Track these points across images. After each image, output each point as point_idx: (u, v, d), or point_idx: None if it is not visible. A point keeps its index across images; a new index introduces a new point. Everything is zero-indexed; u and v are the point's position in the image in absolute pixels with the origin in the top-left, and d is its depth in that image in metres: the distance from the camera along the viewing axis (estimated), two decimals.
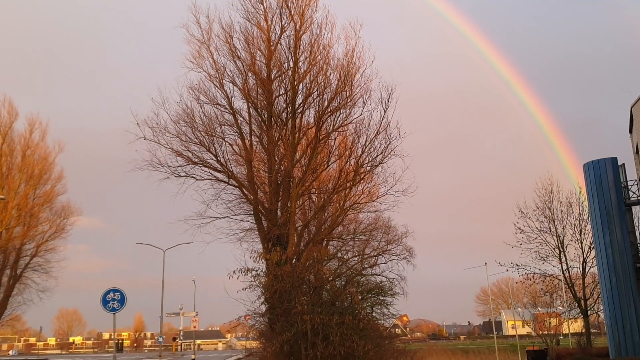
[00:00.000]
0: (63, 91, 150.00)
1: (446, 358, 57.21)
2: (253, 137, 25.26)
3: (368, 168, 24.80)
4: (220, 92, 24.56)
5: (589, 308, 36.25)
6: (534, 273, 36.49)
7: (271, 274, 21.00)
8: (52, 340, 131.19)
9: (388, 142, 24.00)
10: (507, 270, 37.34)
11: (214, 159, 24.37)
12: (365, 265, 29.92)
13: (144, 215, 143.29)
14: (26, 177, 42.87)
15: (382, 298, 23.08)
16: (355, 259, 32.73)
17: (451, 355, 59.11)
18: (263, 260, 22.17)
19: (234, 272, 21.43)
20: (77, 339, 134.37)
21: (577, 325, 45.41)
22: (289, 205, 23.84)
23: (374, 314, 23.04)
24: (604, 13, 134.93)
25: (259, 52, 24.87)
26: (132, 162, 23.67)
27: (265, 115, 24.73)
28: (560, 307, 44.44)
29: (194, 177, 24.41)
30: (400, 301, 32.34)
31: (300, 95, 24.47)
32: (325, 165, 26.15)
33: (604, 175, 29.26)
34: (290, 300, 20.26)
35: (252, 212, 25.02)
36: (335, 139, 26.20)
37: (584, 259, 35.39)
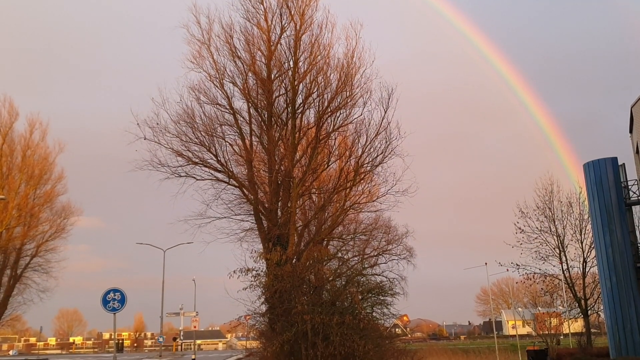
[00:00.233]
0: (63, 91, 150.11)
1: (446, 358, 57.22)
2: (253, 137, 25.28)
3: (368, 168, 24.82)
4: (220, 92, 24.59)
5: (589, 308, 36.26)
6: (534, 273, 36.52)
7: (271, 274, 21.01)
8: (52, 340, 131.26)
9: (388, 142, 24.02)
10: (508, 270, 37.39)
11: (214, 159, 24.38)
12: (366, 265, 29.96)
13: (144, 215, 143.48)
14: (26, 177, 42.88)
15: (382, 298, 23.11)
16: (356, 259, 32.75)
17: (451, 355, 59.12)
18: (263, 260, 22.18)
19: (234, 272, 21.45)
20: (78, 339, 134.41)
21: (577, 325, 45.44)
22: (289, 205, 23.84)
23: (374, 313, 23.07)
24: (604, 12, 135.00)
25: (259, 52, 24.89)
26: (132, 162, 23.70)
27: (266, 115, 24.74)
28: (560, 307, 44.45)
29: (194, 177, 24.44)
30: (401, 301, 32.40)
31: (300, 95, 24.49)
32: (326, 165, 26.16)
33: (604, 175, 29.28)
34: (291, 300, 20.27)
35: (252, 212, 25.02)
36: (335, 139, 26.24)
37: (584, 258, 35.42)
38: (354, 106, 24.27)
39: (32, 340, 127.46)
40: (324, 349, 19.07)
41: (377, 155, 24.25)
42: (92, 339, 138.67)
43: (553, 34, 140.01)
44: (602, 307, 32.95)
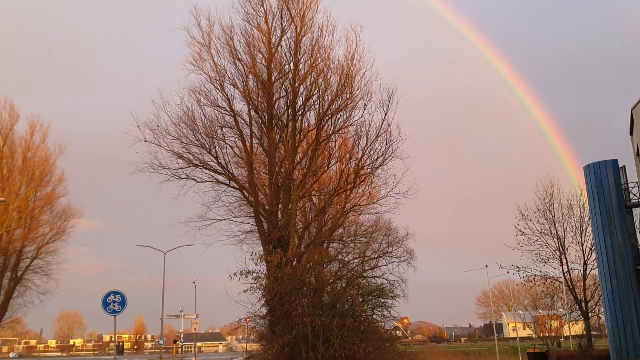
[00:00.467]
0: (63, 93, 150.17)
1: None
2: (254, 139, 25.31)
3: (369, 170, 24.84)
4: (221, 95, 24.64)
5: (589, 310, 36.18)
6: (535, 275, 36.45)
7: (272, 276, 21.02)
8: (52, 343, 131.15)
9: (389, 144, 24.07)
10: (508, 272, 37.32)
11: (215, 161, 24.41)
12: (366, 268, 29.89)
13: (144, 217, 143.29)
14: (27, 180, 42.83)
15: (382, 300, 23.08)
16: (356, 261, 32.75)
17: (452, 357, 58.93)
18: (264, 263, 22.19)
19: (234, 274, 21.47)
20: (78, 341, 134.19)
21: (578, 328, 45.31)
22: (289, 207, 23.84)
23: (374, 316, 23.05)
24: (604, 13, 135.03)
25: (259, 54, 24.93)
26: (133, 165, 23.75)
27: (266, 118, 24.76)
28: (561, 310, 44.38)
29: (195, 180, 24.48)
30: (401, 303, 32.37)
31: (300, 98, 24.54)
32: (326, 167, 26.19)
33: (604, 178, 29.27)
34: (291, 303, 20.26)
35: (252, 214, 25.03)
36: (335, 141, 26.29)
37: (584, 261, 35.34)
38: (354, 108, 24.34)
39: (33, 342, 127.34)
40: (325, 352, 19.07)
41: (378, 158, 24.31)
42: (93, 341, 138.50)
43: (553, 35, 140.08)
44: (602, 310, 32.90)
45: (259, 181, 25.47)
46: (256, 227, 24.90)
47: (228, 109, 24.65)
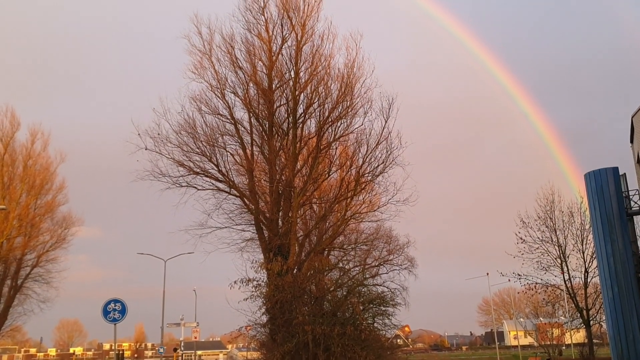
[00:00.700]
0: (64, 101, 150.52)
1: None
2: (254, 147, 25.34)
3: (369, 178, 24.84)
4: (221, 103, 24.69)
5: (591, 318, 36.09)
6: (536, 283, 36.38)
7: (272, 284, 20.99)
8: (52, 351, 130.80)
9: (389, 152, 24.07)
10: (509, 280, 37.30)
11: (216, 168, 24.43)
12: (367, 276, 29.84)
13: (144, 225, 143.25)
14: (27, 187, 42.85)
15: (383, 308, 23.03)
16: (357, 269, 32.69)
17: None
18: (264, 271, 22.16)
19: (235, 282, 21.45)
20: (78, 350, 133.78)
21: (579, 336, 45.19)
22: (290, 215, 23.83)
23: (375, 324, 22.98)
24: (604, 20, 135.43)
25: (260, 62, 25.01)
26: (133, 173, 23.76)
27: (267, 125, 24.81)
28: (562, 317, 44.31)
29: (196, 187, 24.48)
30: (402, 311, 32.18)
31: (301, 105, 24.59)
32: (327, 175, 26.20)
33: (605, 185, 29.28)
34: (292, 311, 20.22)
35: (253, 222, 25.02)
36: (336, 148, 26.32)
37: (585, 268, 35.28)
38: (354, 116, 24.38)
39: (33, 351, 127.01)
40: None
41: (378, 165, 24.31)
42: (93, 350, 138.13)
43: (553, 43, 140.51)
44: (604, 318, 32.80)
45: (259, 189, 25.48)
46: (257, 235, 24.88)
47: (229, 117, 24.71)
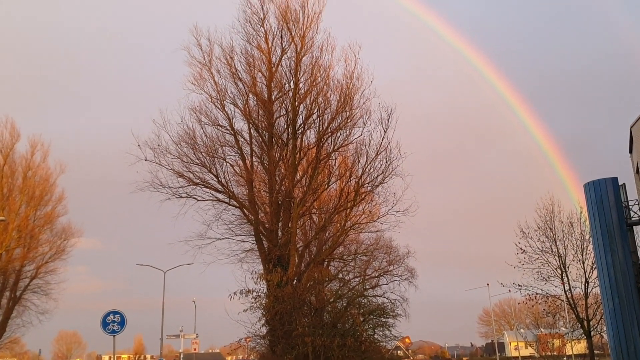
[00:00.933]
0: (64, 113, 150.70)
1: None
2: (254, 158, 25.39)
3: (369, 188, 24.86)
4: (221, 114, 24.79)
5: (592, 329, 35.89)
6: (536, 293, 36.22)
7: (272, 296, 20.93)
8: None
9: (389, 162, 24.13)
10: (510, 290, 37.08)
11: (215, 179, 24.45)
12: (367, 286, 29.75)
13: (144, 236, 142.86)
14: (27, 199, 42.81)
15: (384, 320, 22.95)
16: (357, 280, 32.54)
17: None
18: (264, 281, 22.11)
19: (234, 293, 21.40)
20: None
21: (580, 347, 45.02)
22: (289, 225, 23.82)
23: (375, 335, 22.90)
24: (603, 31, 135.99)
25: (259, 73, 25.12)
26: (133, 184, 23.78)
27: (266, 136, 24.86)
28: (563, 328, 44.08)
29: (195, 198, 24.49)
30: (402, 323, 32.05)
31: (300, 116, 24.67)
32: (326, 186, 26.21)
33: (604, 195, 29.25)
34: (291, 322, 20.15)
35: (252, 233, 25.00)
36: (335, 159, 26.35)
37: (586, 279, 35.11)
38: (354, 126, 24.46)
39: None
40: None
41: (378, 175, 24.36)
42: None
43: (551, 53, 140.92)
44: (605, 328, 32.65)
45: (259, 199, 25.49)
46: (256, 246, 24.86)
47: (228, 128, 24.79)
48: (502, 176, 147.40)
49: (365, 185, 24.72)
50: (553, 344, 45.93)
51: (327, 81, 24.60)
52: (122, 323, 20.61)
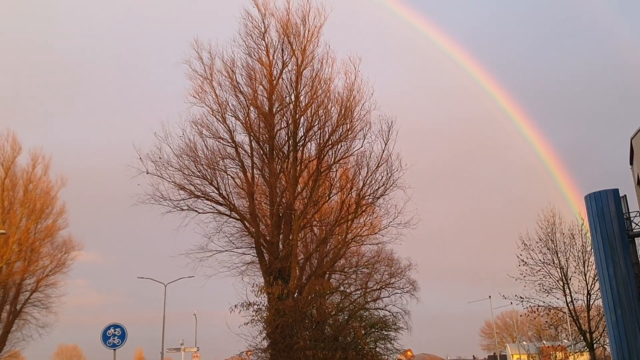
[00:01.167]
0: (65, 126, 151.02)
1: None
2: (255, 170, 25.41)
3: (370, 200, 24.84)
4: (222, 126, 24.84)
5: (594, 341, 35.73)
6: (538, 306, 36.08)
7: (273, 309, 20.86)
8: None
9: (389, 174, 24.12)
10: (512, 303, 36.92)
11: (216, 192, 24.46)
12: (368, 299, 29.72)
13: (144, 249, 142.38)
14: (28, 212, 42.81)
15: (385, 333, 22.87)
16: (358, 292, 32.49)
17: None
18: (265, 294, 22.04)
19: (235, 306, 21.34)
20: None
21: (583, 359, 44.75)
22: (290, 238, 23.79)
23: (377, 349, 22.80)
24: (603, 43, 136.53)
25: (260, 86, 25.22)
26: (134, 196, 23.78)
27: (267, 148, 24.92)
28: (565, 341, 43.87)
29: (196, 211, 24.48)
30: (404, 335, 31.91)
31: (301, 129, 24.73)
32: (327, 198, 26.21)
33: (605, 207, 29.24)
34: (293, 336, 20.06)
35: (253, 245, 24.96)
36: (336, 171, 26.38)
37: (588, 291, 35.01)
38: (354, 138, 24.52)
39: None
40: None
41: (379, 187, 24.34)
42: None
43: (551, 65, 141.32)
44: (607, 340, 32.50)
45: (260, 212, 25.48)
46: (257, 258, 24.80)
47: (229, 141, 24.84)
48: (502, 187, 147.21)
49: (366, 198, 24.72)
50: (555, 356, 45.67)
51: (328, 94, 24.71)
52: (122, 337, 20.54)
